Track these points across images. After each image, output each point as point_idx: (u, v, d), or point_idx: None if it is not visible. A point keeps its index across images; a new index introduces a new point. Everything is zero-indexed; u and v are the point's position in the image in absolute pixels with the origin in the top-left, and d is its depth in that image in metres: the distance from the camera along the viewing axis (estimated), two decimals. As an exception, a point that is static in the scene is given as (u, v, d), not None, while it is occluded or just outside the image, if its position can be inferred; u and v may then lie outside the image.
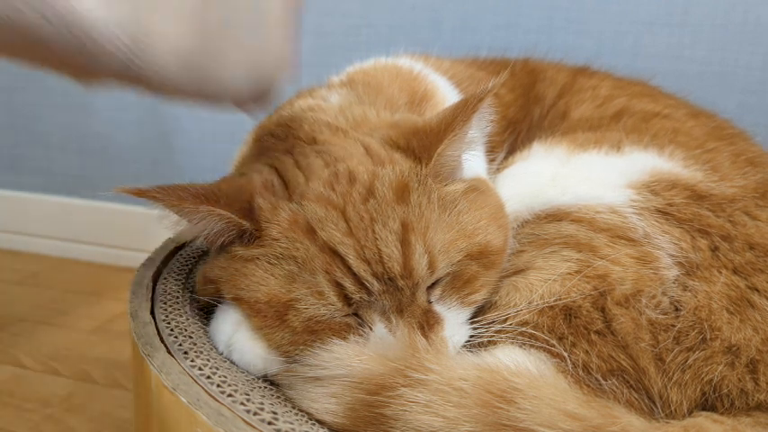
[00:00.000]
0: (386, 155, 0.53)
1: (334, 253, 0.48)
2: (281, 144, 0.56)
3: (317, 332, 0.49)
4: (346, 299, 0.48)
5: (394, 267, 0.48)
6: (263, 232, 0.50)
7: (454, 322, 0.52)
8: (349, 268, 0.48)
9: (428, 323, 0.50)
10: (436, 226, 0.50)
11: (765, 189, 0.57)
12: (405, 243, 0.48)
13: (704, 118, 0.69)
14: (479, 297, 0.53)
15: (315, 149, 0.55)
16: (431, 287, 0.51)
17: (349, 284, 0.48)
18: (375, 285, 0.48)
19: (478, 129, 0.54)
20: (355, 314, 0.50)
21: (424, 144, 0.52)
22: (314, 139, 0.56)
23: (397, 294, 0.49)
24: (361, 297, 0.48)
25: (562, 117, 0.73)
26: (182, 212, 0.50)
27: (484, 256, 0.52)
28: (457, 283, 0.52)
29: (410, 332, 0.48)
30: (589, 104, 0.72)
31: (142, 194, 0.47)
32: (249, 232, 0.50)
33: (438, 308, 0.51)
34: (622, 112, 0.69)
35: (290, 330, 0.49)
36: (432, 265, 0.49)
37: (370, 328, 0.49)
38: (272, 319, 0.49)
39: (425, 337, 0.49)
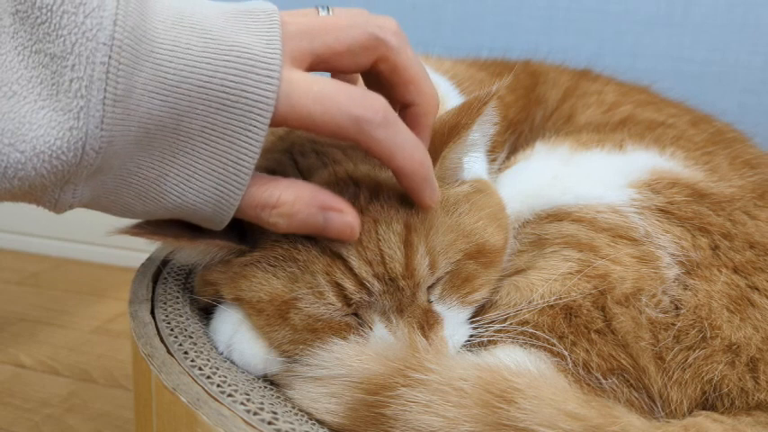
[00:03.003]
0: None
1: (336, 254, 0.48)
2: (280, 143, 0.56)
3: (316, 330, 0.49)
4: (346, 299, 0.48)
5: (396, 268, 0.48)
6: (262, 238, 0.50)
7: (454, 322, 0.52)
8: (350, 269, 0.48)
9: (428, 323, 0.50)
10: (438, 227, 0.50)
11: (763, 190, 0.57)
12: (407, 244, 0.48)
13: (704, 125, 0.69)
14: (479, 296, 0.53)
15: (314, 149, 0.55)
16: (430, 287, 0.51)
17: (349, 285, 0.48)
18: (376, 286, 0.48)
19: (481, 132, 0.54)
20: (355, 314, 0.50)
21: (428, 148, 0.52)
22: (313, 139, 0.56)
23: (398, 294, 0.49)
24: (361, 297, 0.48)
25: (567, 120, 0.73)
26: (179, 248, 0.51)
27: (482, 255, 0.52)
28: (456, 281, 0.52)
29: (410, 332, 0.48)
30: (595, 109, 0.72)
31: (136, 234, 0.49)
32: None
33: (438, 307, 0.51)
34: (628, 120, 0.69)
35: (291, 328, 0.49)
36: (433, 266, 0.49)
37: (370, 328, 0.49)
38: (273, 317, 0.49)
39: (425, 336, 0.49)
